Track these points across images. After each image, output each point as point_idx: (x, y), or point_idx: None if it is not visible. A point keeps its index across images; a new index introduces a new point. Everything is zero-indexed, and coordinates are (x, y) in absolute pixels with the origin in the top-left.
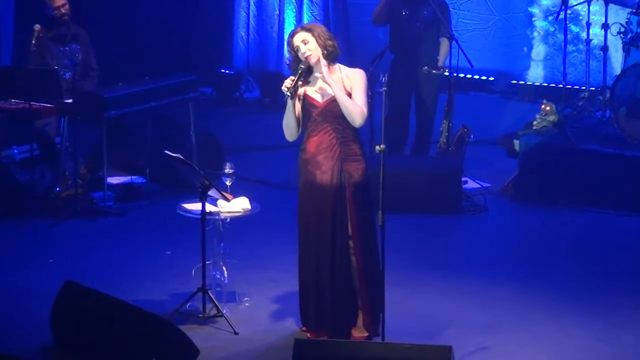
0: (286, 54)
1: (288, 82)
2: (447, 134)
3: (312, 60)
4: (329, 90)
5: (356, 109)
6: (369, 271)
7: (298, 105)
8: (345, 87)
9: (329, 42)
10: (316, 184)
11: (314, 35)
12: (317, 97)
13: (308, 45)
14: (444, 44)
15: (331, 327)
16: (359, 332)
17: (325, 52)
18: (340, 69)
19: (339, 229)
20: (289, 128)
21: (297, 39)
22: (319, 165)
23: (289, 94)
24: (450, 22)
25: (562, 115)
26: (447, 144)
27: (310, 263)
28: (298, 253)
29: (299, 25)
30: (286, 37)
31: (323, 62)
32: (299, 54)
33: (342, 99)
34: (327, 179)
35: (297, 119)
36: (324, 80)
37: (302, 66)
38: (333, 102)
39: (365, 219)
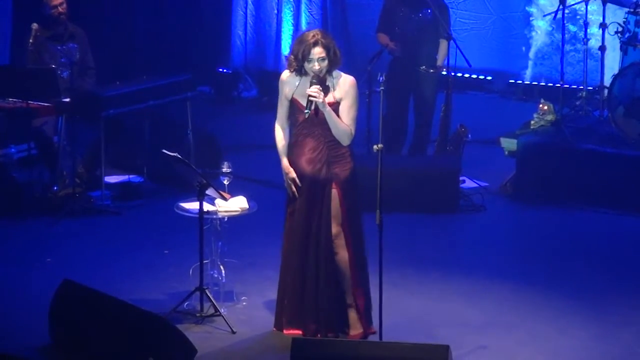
0: (285, 51)
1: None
2: (445, 133)
3: (320, 75)
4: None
5: (345, 131)
6: (358, 269)
7: (287, 103)
8: (335, 95)
9: (336, 59)
10: (300, 181)
11: (328, 55)
12: (304, 103)
13: (323, 63)
14: (443, 44)
15: (300, 322)
16: (354, 330)
17: (329, 67)
18: (333, 75)
19: (314, 227)
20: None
21: (317, 53)
22: (304, 165)
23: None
24: (449, 23)
25: (559, 114)
26: (445, 144)
27: (285, 254)
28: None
29: (316, 27)
30: (284, 35)
31: (322, 98)
32: (308, 63)
33: (334, 123)
34: (310, 179)
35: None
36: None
37: (314, 80)
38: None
39: (353, 217)
